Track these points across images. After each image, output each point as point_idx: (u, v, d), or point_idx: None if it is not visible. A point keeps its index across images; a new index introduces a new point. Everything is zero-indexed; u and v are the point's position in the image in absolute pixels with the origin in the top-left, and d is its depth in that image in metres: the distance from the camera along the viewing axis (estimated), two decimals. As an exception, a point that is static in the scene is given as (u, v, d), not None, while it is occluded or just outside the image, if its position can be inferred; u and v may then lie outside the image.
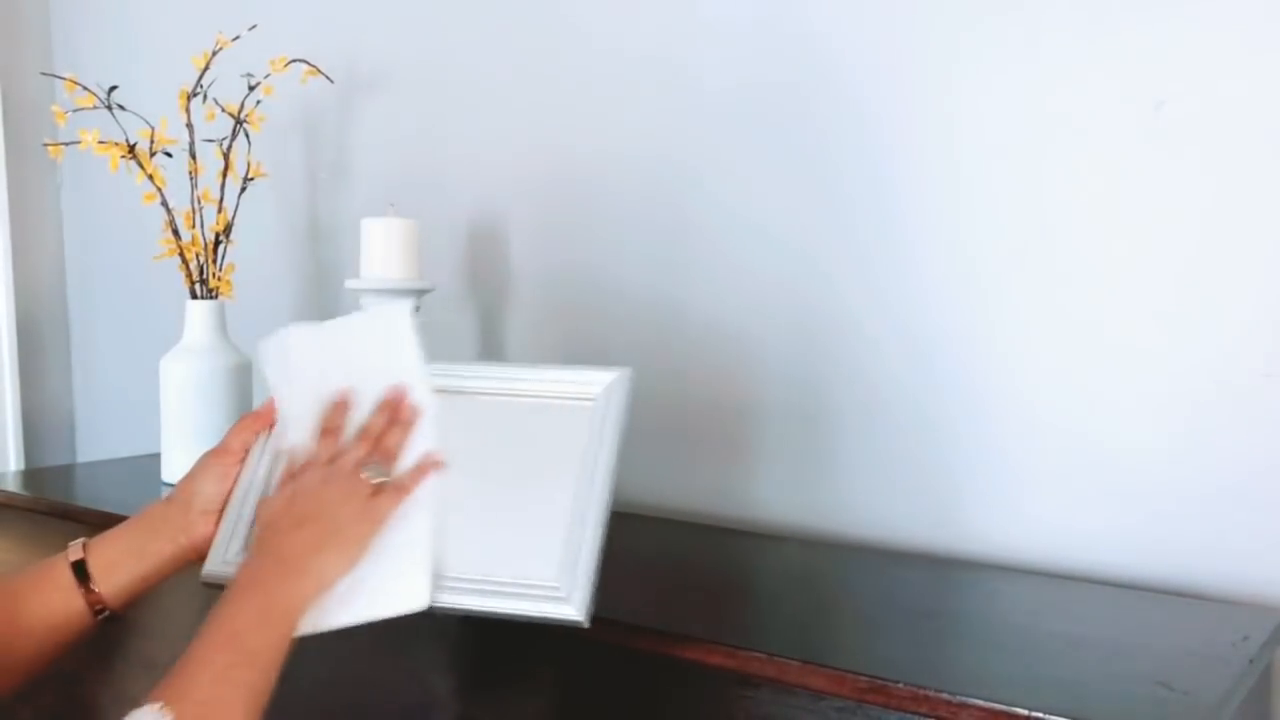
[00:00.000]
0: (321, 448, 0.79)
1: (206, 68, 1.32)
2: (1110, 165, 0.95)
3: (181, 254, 1.32)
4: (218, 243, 1.33)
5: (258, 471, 0.83)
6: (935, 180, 1.03)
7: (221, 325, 1.33)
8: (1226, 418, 0.91)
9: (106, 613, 0.79)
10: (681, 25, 1.17)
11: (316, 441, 0.80)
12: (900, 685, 0.68)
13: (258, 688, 0.67)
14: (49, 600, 0.78)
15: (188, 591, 0.84)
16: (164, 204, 1.30)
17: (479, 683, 0.85)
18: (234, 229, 1.33)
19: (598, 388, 0.82)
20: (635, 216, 1.22)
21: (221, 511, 0.81)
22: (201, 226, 1.33)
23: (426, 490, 0.77)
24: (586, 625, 0.72)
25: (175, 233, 1.32)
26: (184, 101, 1.32)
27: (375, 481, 0.75)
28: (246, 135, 1.35)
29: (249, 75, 1.33)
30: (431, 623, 0.91)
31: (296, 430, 0.81)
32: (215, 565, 0.80)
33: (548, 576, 0.74)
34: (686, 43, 1.17)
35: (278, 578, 0.71)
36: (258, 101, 1.33)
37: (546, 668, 0.83)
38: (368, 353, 0.83)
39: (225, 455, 0.83)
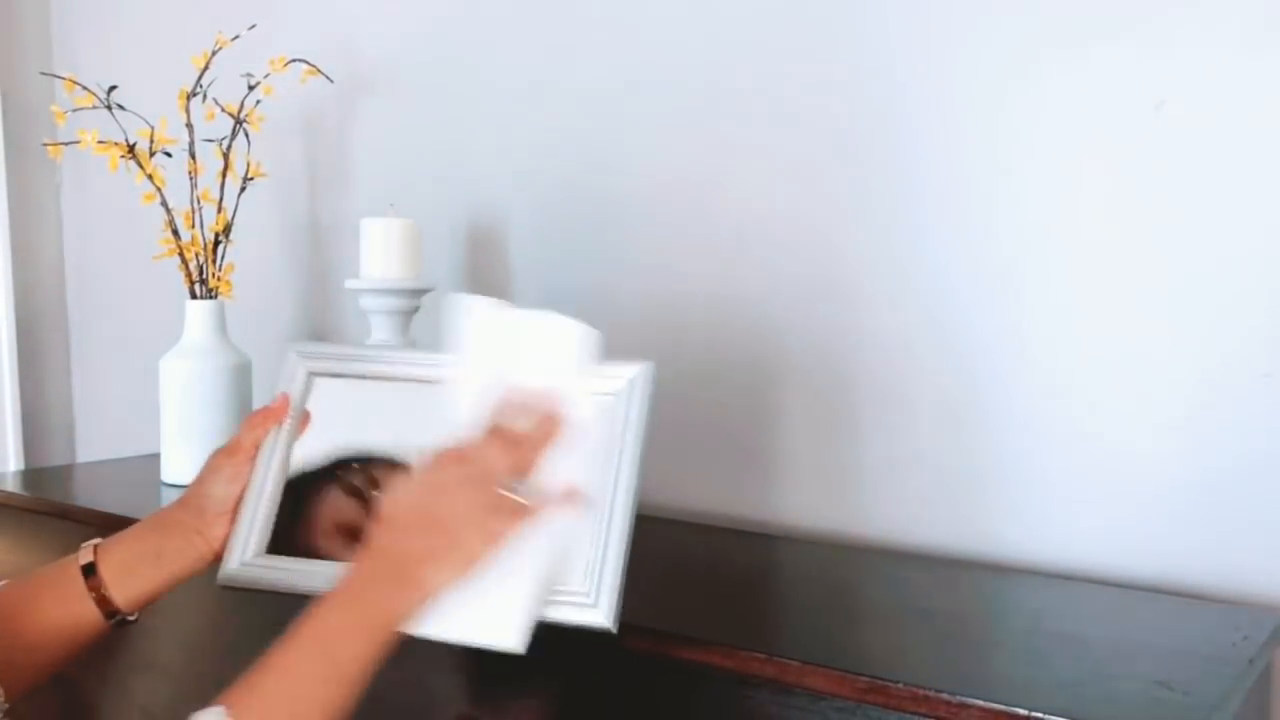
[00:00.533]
0: (477, 446, 0.71)
1: (206, 68, 1.32)
2: (1110, 165, 0.95)
3: (181, 254, 1.32)
4: (217, 243, 1.33)
5: (270, 469, 0.81)
6: (936, 179, 1.03)
7: (221, 325, 1.33)
8: (1226, 418, 0.91)
9: (119, 617, 0.78)
10: (683, 21, 1.17)
11: (474, 437, 0.72)
12: (900, 685, 0.68)
13: (339, 703, 0.63)
14: (61, 603, 0.77)
15: (190, 593, 0.84)
16: (164, 204, 1.31)
17: (479, 683, 0.85)
18: (234, 229, 1.33)
19: (619, 383, 0.77)
20: (636, 216, 1.22)
21: (235, 512, 0.80)
22: (201, 226, 1.33)
23: (559, 521, 0.72)
24: (614, 631, 0.71)
25: (175, 233, 1.32)
26: (184, 101, 1.32)
27: (512, 498, 0.70)
28: (246, 135, 1.35)
29: (249, 75, 1.33)
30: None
31: (458, 411, 0.74)
32: (233, 567, 0.79)
33: (574, 583, 0.72)
34: (690, 37, 1.17)
35: (384, 585, 0.67)
36: (258, 101, 1.33)
37: (546, 668, 0.83)
38: (543, 357, 0.77)
39: (236, 454, 0.81)
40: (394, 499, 0.70)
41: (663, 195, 1.20)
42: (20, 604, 0.76)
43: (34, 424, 1.87)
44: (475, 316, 0.79)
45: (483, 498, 0.69)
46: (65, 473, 1.59)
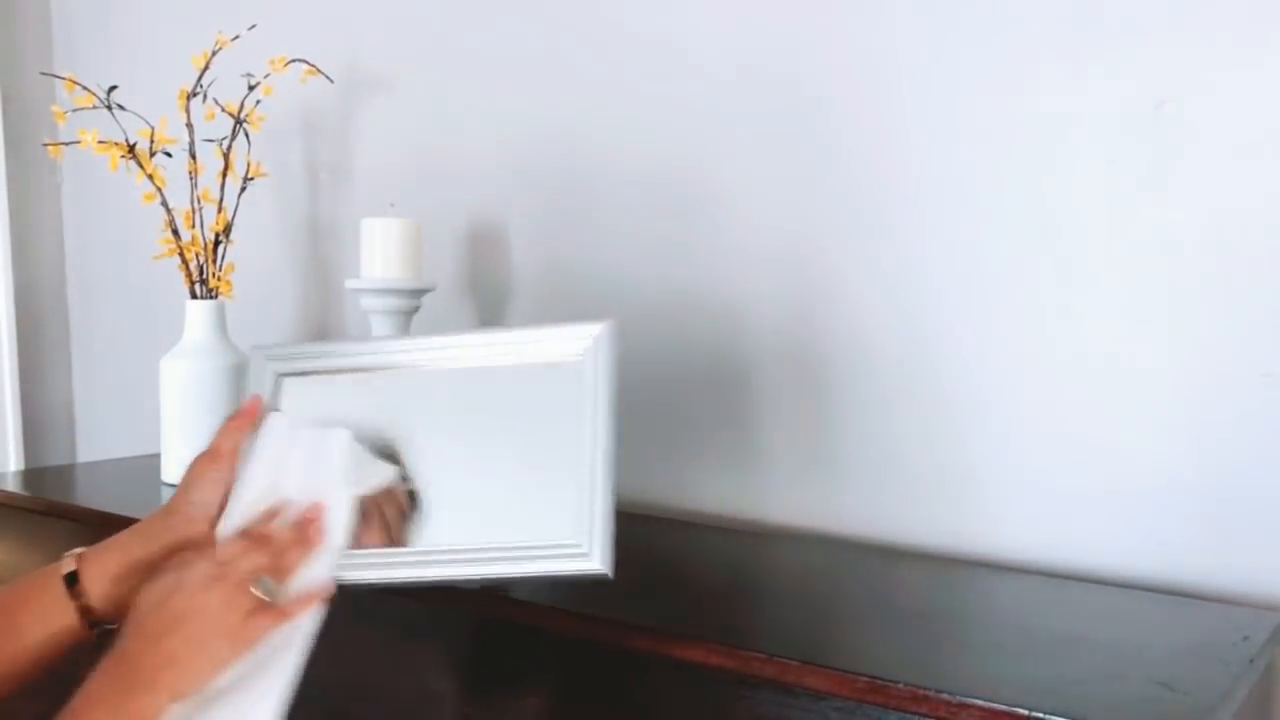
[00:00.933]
0: (228, 546, 0.72)
1: (206, 68, 1.32)
2: (1110, 165, 0.95)
3: (181, 254, 1.32)
4: (217, 243, 1.33)
5: (254, 469, 0.81)
6: (935, 181, 1.03)
7: (221, 325, 1.33)
8: (1226, 418, 0.91)
9: (103, 625, 0.77)
10: (683, 18, 1.17)
11: (226, 538, 0.73)
12: (900, 685, 0.68)
13: None
14: (41, 613, 0.76)
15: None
16: (164, 204, 1.31)
17: (478, 682, 0.85)
18: (234, 229, 1.33)
19: (586, 342, 0.79)
20: (637, 216, 1.22)
21: (219, 517, 0.79)
22: (201, 226, 1.33)
23: (307, 622, 0.70)
24: (610, 577, 0.72)
25: (175, 233, 1.32)
26: (184, 101, 1.32)
27: (262, 596, 0.69)
28: (246, 135, 1.35)
29: (249, 75, 1.33)
30: (430, 622, 0.91)
31: (229, 519, 0.76)
32: None
33: (566, 535, 0.73)
34: (687, 36, 1.17)
35: (127, 693, 0.65)
36: (258, 101, 1.33)
37: (546, 667, 0.83)
38: (315, 470, 0.78)
39: (216, 459, 0.81)
40: (142, 600, 0.69)
41: (666, 195, 1.20)
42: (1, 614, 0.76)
43: (34, 424, 1.87)
44: (263, 434, 0.81)
45: (232, 597, 0.68)
46: (66, 473, 1.59)
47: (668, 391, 1.21)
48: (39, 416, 1.88)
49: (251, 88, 1.33)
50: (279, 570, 0.71)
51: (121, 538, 0.80)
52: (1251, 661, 0.75)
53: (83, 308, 1.90)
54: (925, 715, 0.67)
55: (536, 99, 1.29)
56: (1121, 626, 0.83)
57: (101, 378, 1.89)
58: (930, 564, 1.01)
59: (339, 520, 0.75)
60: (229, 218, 1.33)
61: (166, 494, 1.28)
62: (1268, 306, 0.89)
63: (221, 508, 0.79)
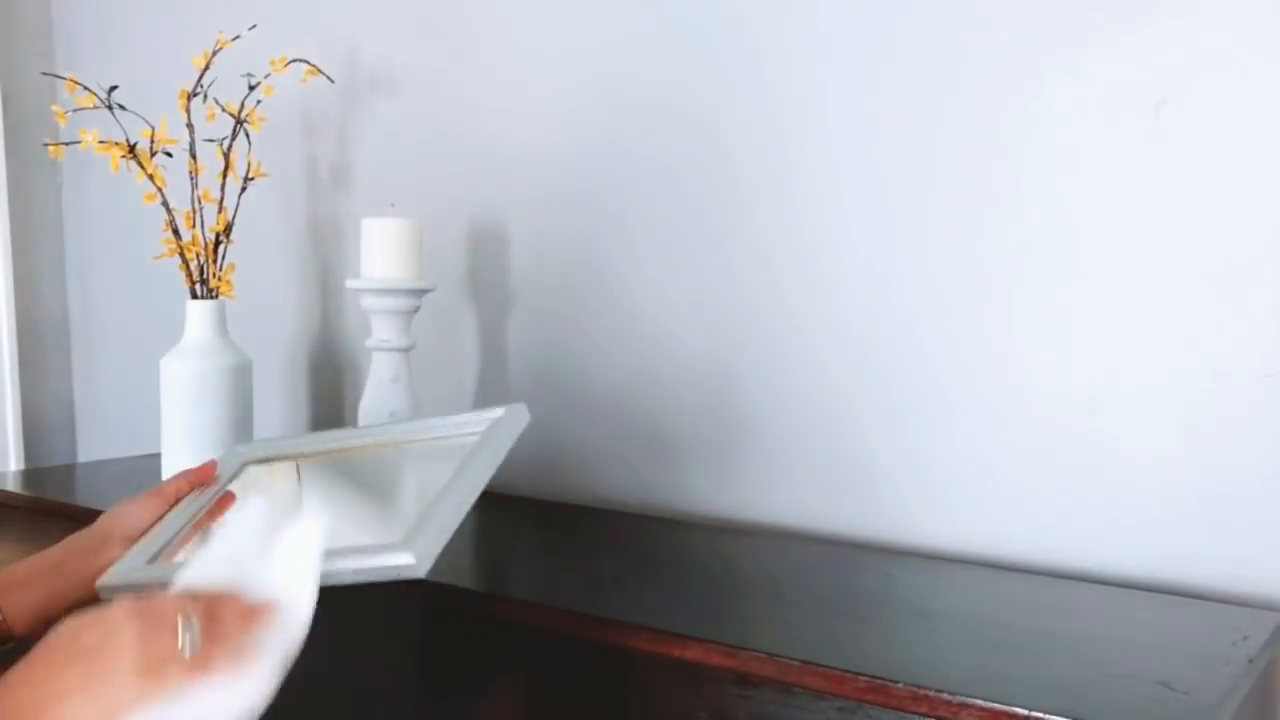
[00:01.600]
0: (160, 598, 0.63)
1: (206, 68, 1.32)
2: (1110, 165, 0.95)
3: (182, 254, 1.32)
4: (218, 243, 1.33)
5: (180, 515, 0.86)
6: (935, 181, 1.03)
7: (222, 325, 1.33)
8: (1226, 418, 0.91)
9: (9, 644, 0.76)
10: (682, 23, 1.17)
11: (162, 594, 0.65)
12: (900, 685, 0.68)
13: None
14: None
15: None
16: (164, 204, 1.31)
17: (478, 682, 0.85)
18: (234, 229, 1.34)
19: (485, 425, 0.87)
20: (637, 216, 1.22)
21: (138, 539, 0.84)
22: (202, 226, 1.33)
23: (227, 691, 0.62)
24: (423, 576, 0.70)
25: (175, 233, 1.32)
26: (184, 101, 1.32)
27: (184, 643, 0.60)
28: (246, 135, 1.35)
29: (249, 75, 1.33)
30: (422, 620, 0.91)
31: (186, 575, 0.69)
32: (110, 578, 0.80)
33: (393, 535, 0.72)
34: (689, 37, 1.17)
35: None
36: (258, 101, 1.33)
37: (546, 667, 0.83)
38: (282, 557, 0.71)
39: (156, 496, 0.86)
40: (59, 627, 0.61)
41: (665, 195, 1.20)
42: None
43: (34, 423, 1.87)
44: (239, 516, 0.81)
45: (151, 635, 0.59)
46: (66, 473, 1.59)
47: (664, 392, 1.21)
48: (39, 416, 1.88)
49: (252, 88, 1.33)
50: (213, 634, 0.61)
51: (40, 553, 0.83)
52: (1251, 661, 0.75)
53: (83, 307, 1.90)
54: (925, 715, 0.67)
55: (537, 99, 1.29)
56: (1121, 626, 0.84)
57: (101, 378, 1.89)
58: (930, 564, 1.01)
59: (293, 617, 0.67)
60: (229, 218, 1.33)
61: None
62: (1267, 306, 0.89)
63: (141, 533, 0.83)
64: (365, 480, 0.95)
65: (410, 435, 0.94)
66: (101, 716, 0.57)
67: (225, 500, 0.91)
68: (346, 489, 0.95)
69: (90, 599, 0.77)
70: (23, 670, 0.59)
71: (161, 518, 0.86)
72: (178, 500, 0.87)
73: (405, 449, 0.93)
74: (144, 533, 0.84)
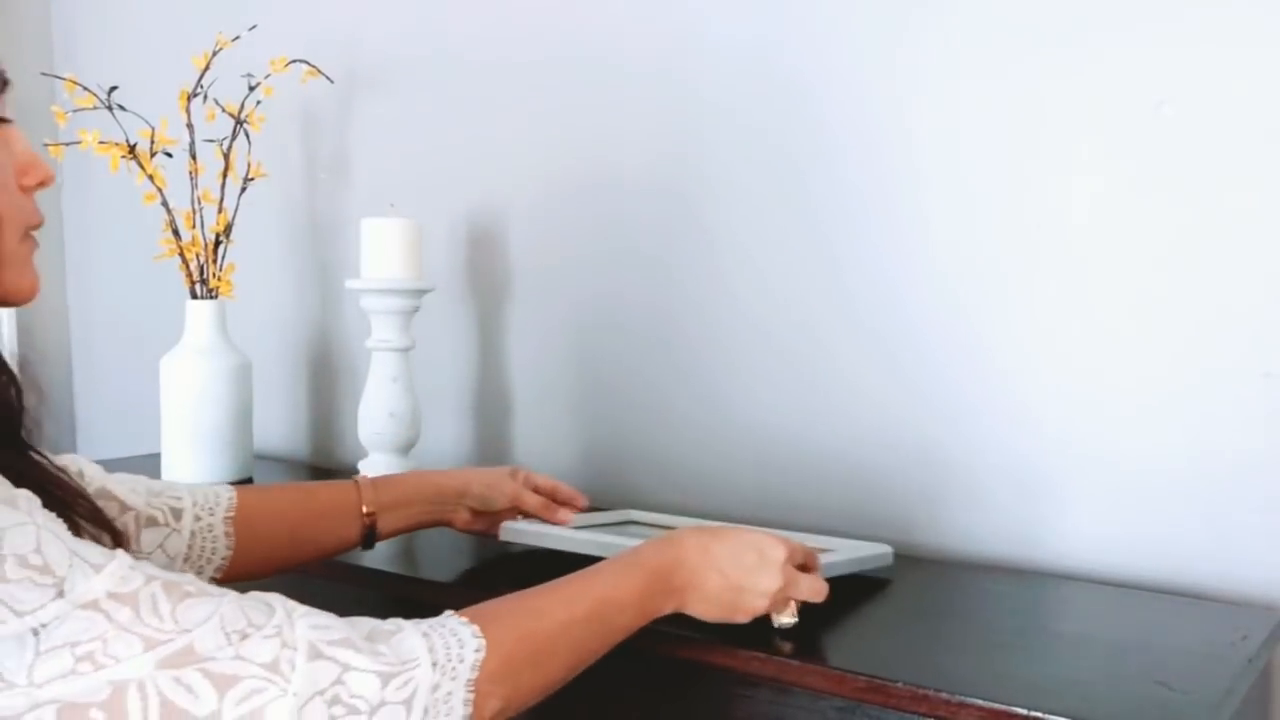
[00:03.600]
0: (797, 554, 0.78)
1: (206, 68, 1.32)
2: (1110, 165, 0.95)
3: (181, 254, 1.32)
4: (218, 243, 1.33)
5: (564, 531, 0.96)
6: (935, 180, 1.03)
7: (222, 325, 1.33)
8: (1226, 418, 0.91)
9: (372, 537, 0.90)
10: (684, 20, 1.17)
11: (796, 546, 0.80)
12: (900, 685, 0.68)
13: (584, 657, 0.68)
14: (336, 519, 0.89)
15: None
16: (164, 204, 1.31)
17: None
18: (234, 229, 1.34)
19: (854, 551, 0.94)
20: (636, 215, 1.22)
21: (491, 521, 0.97)
22: (201, 226, 1.33)
23: None
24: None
25: (175, 233, 1.32)
26: (184, 101, 1.32)
27: (784, 619, 0.77)
28: (246, 135, 1.35)
29: (249, 75, 1.33)
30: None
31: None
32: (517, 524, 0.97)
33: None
34: (685, 42, 1.17)
35: (675, 589, 0.72)
36: (258, 102, 1.33)
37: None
38: None
39: (524, 500, 0.97)
40: (720, 537, 0.76)
41: (664, 194, 1.20)
42: (303, 506, 0.89)
43: (34, 424, 1.86)
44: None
45: (772, 596, 0.75)
46: (66, 473, 1.58)
47: (661, 392, 1.21)
48: (39, 416, 1.88)
49: (252, 88, 1.33)
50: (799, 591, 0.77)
51: (411, 481, 0.96)
52: (1251, 661, 0.75)
53: (83, 308, 1.90)
54: (925, 715, 0.67)
55: (537, 99, 1.29)
56: (1121, 626, 0.84)
57: (102, 377, 1.89)
58: (929, 565, 1.01)
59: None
60: (229, 218, 1.33)
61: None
62: (1268, 306, 0.89)
63: (499, 515, 0.96)
64: None
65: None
66: (705, 613, 0.74)
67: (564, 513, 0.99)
68: None
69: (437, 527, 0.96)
70: (697, 554, 0.74)
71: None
72: (537, 510, 0.98)
73: None
74: (500, 515, 0.97)
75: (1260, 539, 0.90)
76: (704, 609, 0.74)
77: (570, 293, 1.28)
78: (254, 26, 1.36)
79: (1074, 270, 0.97)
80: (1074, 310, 0.97)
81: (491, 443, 1.36)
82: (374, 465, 1.21)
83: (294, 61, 1.33)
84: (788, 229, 1.12)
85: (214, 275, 1.33)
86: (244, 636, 0.55)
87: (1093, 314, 0.97)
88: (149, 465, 1.38)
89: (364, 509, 0.89)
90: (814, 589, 0.77)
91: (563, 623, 0.66)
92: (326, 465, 1.52)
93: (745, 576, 0.74)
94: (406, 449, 1.22)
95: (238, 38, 1.33)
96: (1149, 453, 0.95)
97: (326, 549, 0.89)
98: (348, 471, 1.28)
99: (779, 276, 1.13)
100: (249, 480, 1.33)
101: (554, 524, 0.97)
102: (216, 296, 1.33)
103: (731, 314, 1.16)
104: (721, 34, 1.15)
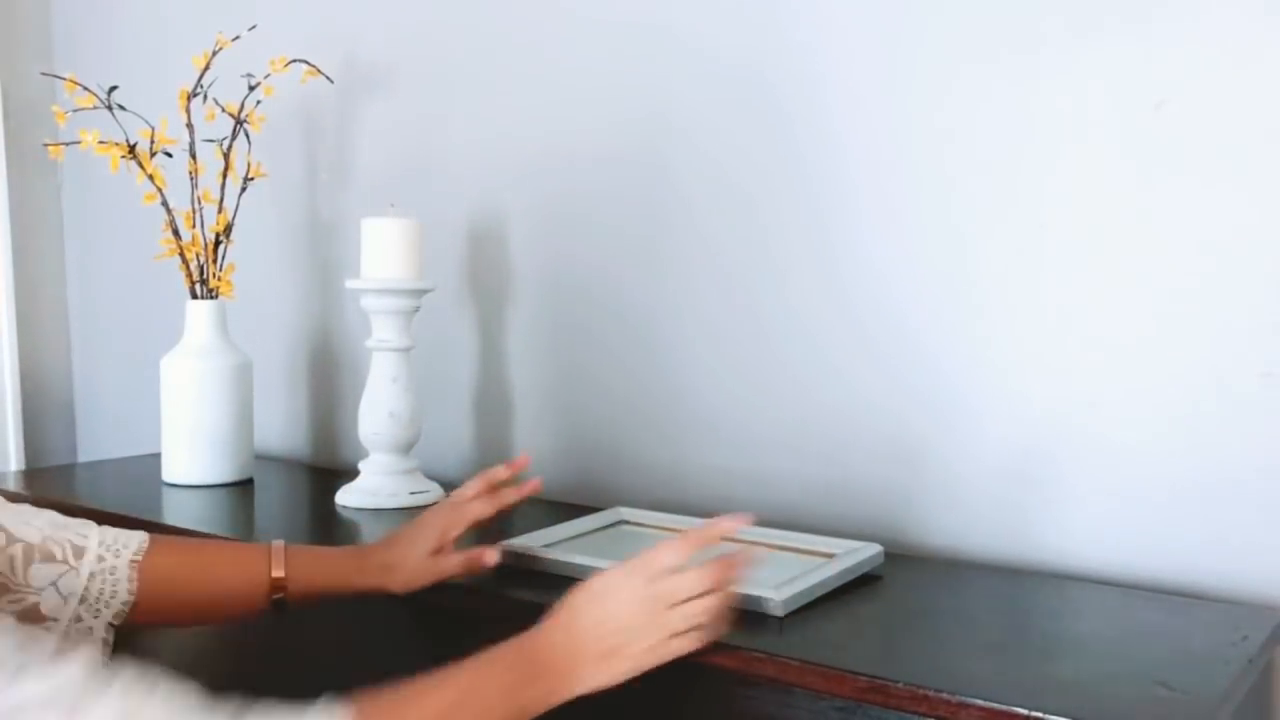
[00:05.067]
0: (660, 558, 0.74)
1: (206, 68, 1.33)
2: (1110, 165, 0.95)
3: (182, 254, 1.32)
4: (218, 243, 1.33)
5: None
6: (934, 180, 1.03)
7: (222, 325, 1.33)
8: (1226, 417, 0.91)
9: (279, 597, 0.85)
10: (679, 31, 1.17)
11: (661, 549, 0.75)
12: (900, 685, 0.68)
13: None
14: (239, 570, 0.85)
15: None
16: (164, 204, 1.31)
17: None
18: (234, 229, 1.34)
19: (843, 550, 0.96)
20: (636, 216, 1.22)
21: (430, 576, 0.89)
22: (201, 226, 1.33)
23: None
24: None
25: (175, 233, 1.32)
26: (184, 101, 1.32)
27: (686, 626, 0.72)
28: (246, 135, 1.35)
29: (249, 75, 1.33)
30: (426, 617, 0.91)
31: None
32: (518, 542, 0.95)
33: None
34: (683, 48, 1.17)
35: (546, 671, 0.70)
36: (258, 102, 1.33)
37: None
38: None
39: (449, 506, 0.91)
40: (573, 599, 0.73)
41: (664, 195, 1.20)
42: (213, 560, 0.87)
43: (35, 424, 1.87)
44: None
45: (660, 618, 0.72)
46: (65, 473, 1.59)
47: (660, 393, 1.21)
48: (40, 416, 1.88)
49: (252, 88, 1.33)
50: (701, 597, 0.73)
51: (326, 550, 0.90)
52: (1251, 661, 0.75)
53: (83, 308, 1.91)
54: (925, 715, 0.67)
55: (537, 99, 1.29)
56: (1121, 626, 0.84)
57: (102, 377, 1.89)
58: (929, 565, 1.01)
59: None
60: (229, 218, 1.33)
61: (167, 493, 1.29)
62: (1267, 306, 0.89)
63: (431, 578, 0.88)
64: None
65: (783, 542, 0.98)
66: (606, 681, 0.71)
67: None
68: None
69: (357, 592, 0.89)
70: (546, 635, 0.71)
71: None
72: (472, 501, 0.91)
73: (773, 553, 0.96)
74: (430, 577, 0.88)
75: (1260, 539, 0.90)
76: (604, 676, 0.71)
77: (570, 293, 1.28)
78: (254, 26, 1.36)
79: (1072, 270, 0.97)
80: (1072, 310, 0.97)
81: (491, 443, 1.36)
82: (374, 465, 1.21)
83: (294, 61, 1.33)
84: (785, 232, 1.12)
85: (214, 275, 1.33)
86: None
87: (1091, 314, 0.97)
88: (149, 465, 1.38)
89: (272, 573, 0.86)
90: (705, 609, 0.72)
91: (432, 713, 0.65)
92: (327, 465, 1.52)
93: (620, 636, 0.71)
94: (406, 449, 1.22)
95: (237, 37, 1.33)
96: (1149, 452, 0.95)
97: (233, 609, 0.86)
98: (348, 472, 1.28)
99: (778, 278, 1.13)
100: (249, 481, 1.33)
101: (502, 515, 0.92)
102: (216, 296, 1.33)
103: (731, 315, 1.16)
104: (720, 37, 1.15)
